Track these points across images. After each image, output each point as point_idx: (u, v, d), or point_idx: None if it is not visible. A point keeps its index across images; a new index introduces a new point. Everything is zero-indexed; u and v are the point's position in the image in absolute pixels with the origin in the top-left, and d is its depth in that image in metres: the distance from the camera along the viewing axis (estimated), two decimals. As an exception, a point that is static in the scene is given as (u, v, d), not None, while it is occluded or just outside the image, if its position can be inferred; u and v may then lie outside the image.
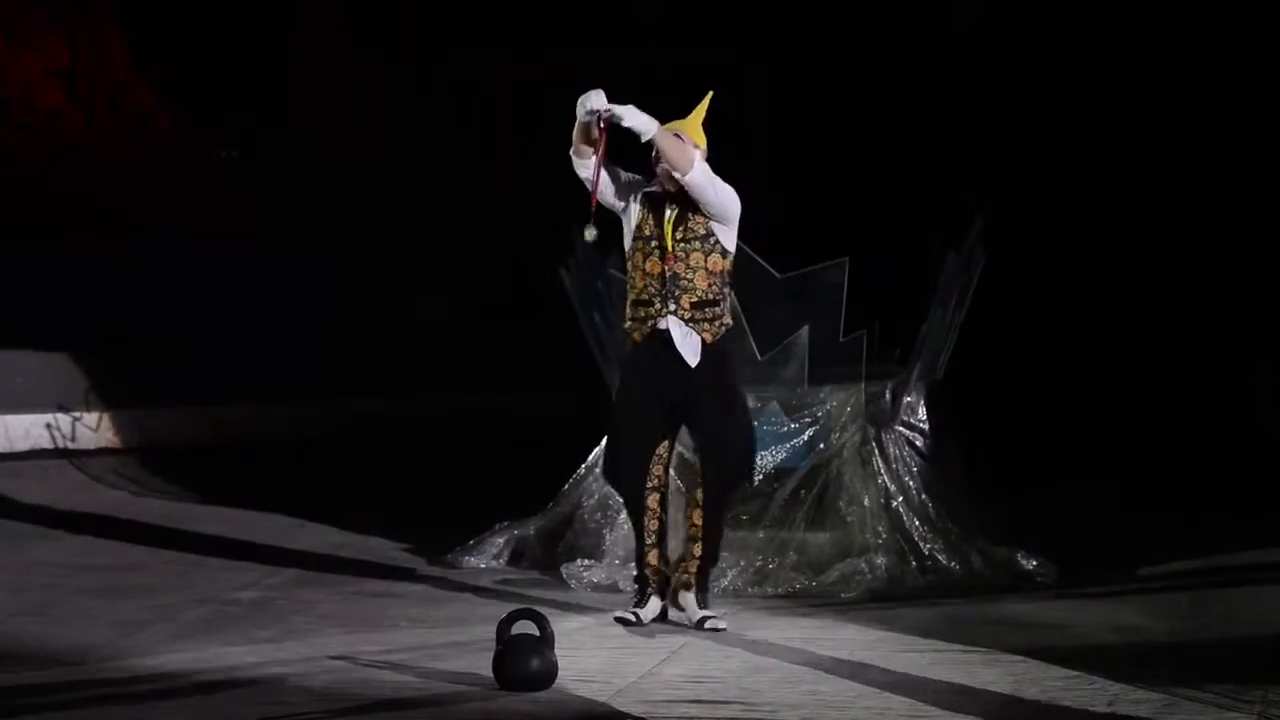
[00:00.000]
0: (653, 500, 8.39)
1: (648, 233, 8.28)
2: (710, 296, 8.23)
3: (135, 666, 7.62)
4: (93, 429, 14.61)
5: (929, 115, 15.12)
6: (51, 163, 16.83)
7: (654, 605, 8.43)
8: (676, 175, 8.15)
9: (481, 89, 17.44)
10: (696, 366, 8.22)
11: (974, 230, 9.86)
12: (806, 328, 9.48)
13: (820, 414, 9.58)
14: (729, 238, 8.28)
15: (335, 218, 16.67)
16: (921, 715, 6.93)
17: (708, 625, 8.29)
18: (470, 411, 15.13)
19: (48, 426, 14.51)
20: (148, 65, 17.31)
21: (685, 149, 8.16)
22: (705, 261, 8.22)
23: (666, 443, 8.43)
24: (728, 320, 8.33)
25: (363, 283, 16.03)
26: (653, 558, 8.42)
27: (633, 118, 8.15)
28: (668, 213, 8.23)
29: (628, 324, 8.38)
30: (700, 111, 8.35)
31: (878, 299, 9.68)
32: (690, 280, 8.20)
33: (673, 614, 8.50)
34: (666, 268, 8.18)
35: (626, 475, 8.39)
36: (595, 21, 16.57)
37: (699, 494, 8.43)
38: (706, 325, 8.23)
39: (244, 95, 17.00)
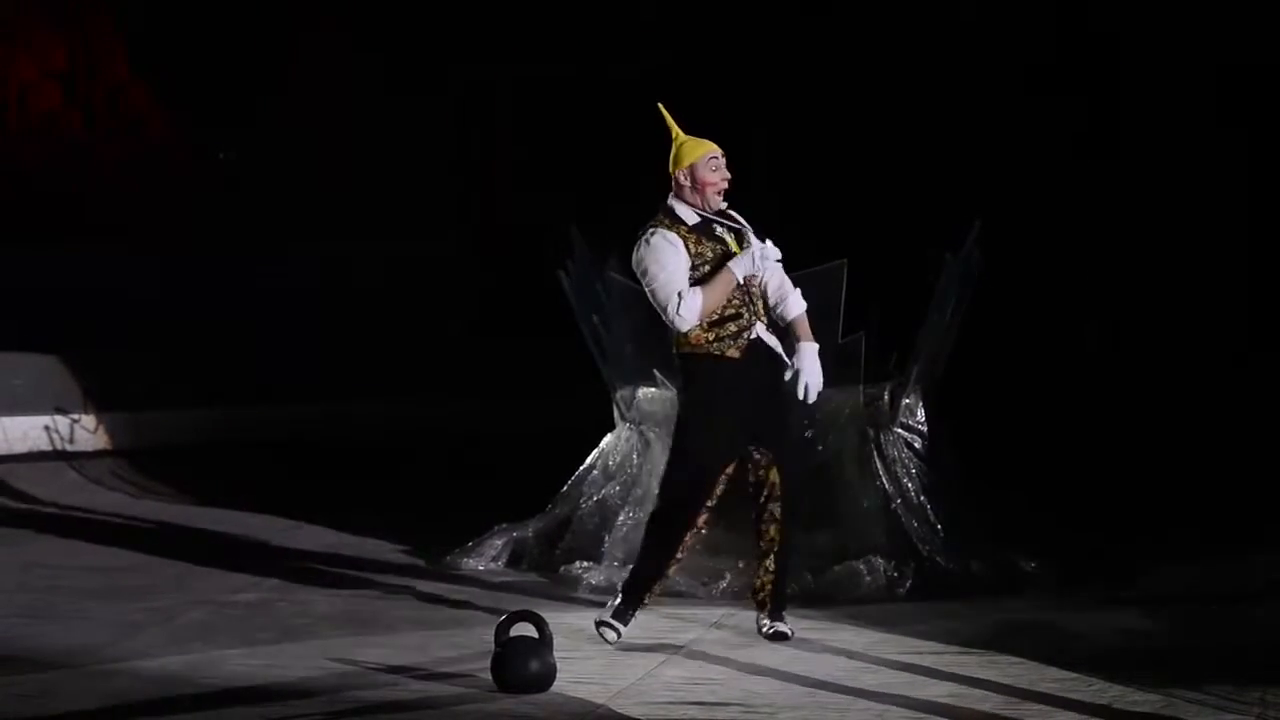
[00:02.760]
0: (703, 518, 8.18)
1: (710, 255, 8.05)
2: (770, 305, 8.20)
3: (134, 669, 7.61)
4: (90, 431, 14.62)
5: (928, 117, 15.13)
6: (49, 164, 16.83)
7: (635, 621, 8.20)
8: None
9: (482, 93, 17.44)
10: (779, 370, 8.11)
11: (972, 233, 9.85)
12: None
13: (819, 415, 9.56)
14: None
15: (335, 220, 16.69)
16: (920, 717, 6.92)
17: (774, 633, 8.16)
18: (469, 413, 15.14)
19: (46, 428, 14.53)
20: (146, 67, 17.31)
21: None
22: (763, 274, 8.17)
23: (735, 462, 8.21)
24: None
25: (361, 285, 16.04)
26: (672, 570, 8.28)
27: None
28: (729, 232, 8.11)
29: (717, 343, 8.05)
30: (671, 124, 8.17)
31: (876, 300, 9.68)
32: (762, 292, 8.13)
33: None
34: (749, 280, 8.06)
35: (696, 490, 8.09)
36: (595, 26, 16.57)
37: (773, 509, 8.19)
38: (774, 332, 8.18)
39: (242, 97, 17.00)
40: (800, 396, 8.04)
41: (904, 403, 9.77)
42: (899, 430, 9.74)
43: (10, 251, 15.35)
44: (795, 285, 8.30)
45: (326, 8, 17.82)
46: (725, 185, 8.13)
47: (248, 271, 15.83)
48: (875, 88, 15.29)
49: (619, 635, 8.12)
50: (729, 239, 8.11)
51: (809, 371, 8.04)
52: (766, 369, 8.11)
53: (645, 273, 8.05)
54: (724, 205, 8.18)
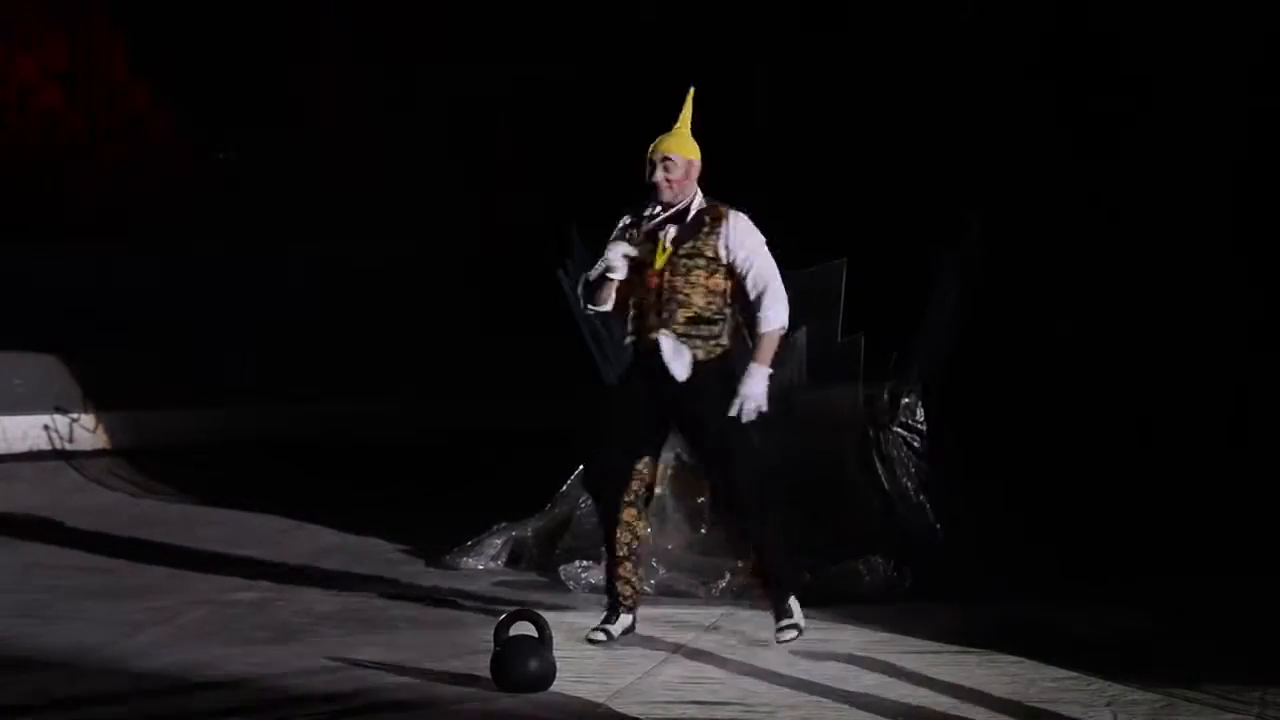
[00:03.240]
0: (629, 514, 8.19)
1: (644, 249, 8.12)
2: (708, 315, 8.04)
3: (134, 668, 7.61)
4: (90, 430, 14.61)
5: (929, 116, 15.11)
6: (50, 164, 16.83)
7: (624, 620, 8.23)
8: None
9: (482, 93, 17.43)
10: (687, 382, 8.01)
11: (972, 233, 9.86)
12: (805, 328, 9.48)
13: (818, 414, 9.57)
14: None
15: (335, 220, 16.68)
16: (919, 716, 6.92)
17: (779, 637, 8.07)
18: (469, 413, 15.13)
19: (45, 428, 14.51)
20: (146, 67, 17.31)
21: None
22: (706, 280, 8.03)
23: (649, 459, 8.23)
24: (725, 343, 8.10)
25: (361, 285, 16.02)
26: (625, 571, 8.23)
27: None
28: (670, 231, 8.07)
29: (628, 338, 8.24)
30: (687, 117, 8.16)
31: (876, 300, 9.68)
32: (687, 296, 8.03)
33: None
34: (663, 281, 8.05)
35: (606, 487, 8.20)
36: (595, 26, 16.56)
37: (737, 516, 8.30)
38: (700, 342, 8.04)
39: (243, 97, 16.99)
40: (732, 412, 7.96)
41: (904, 402, 9.78)
42: (899, 430, 9.74)
43: (10, 251, 15.35)
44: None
45: (326, 7, 17.80)
46: (660, 185, 8.06)
47: (247, 271, 15.82)
48: (874, 86, 15.28)
49: (609, 636, 8.16)
50: (663, 242, 8.05)
51: (745, 394, 7.95)
52: (652, 378, 8.07)
53: None
54: (663, 205, 8.07)
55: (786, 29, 15.83)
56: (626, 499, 8.17)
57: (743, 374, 8.00)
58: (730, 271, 8.07)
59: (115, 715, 6.99)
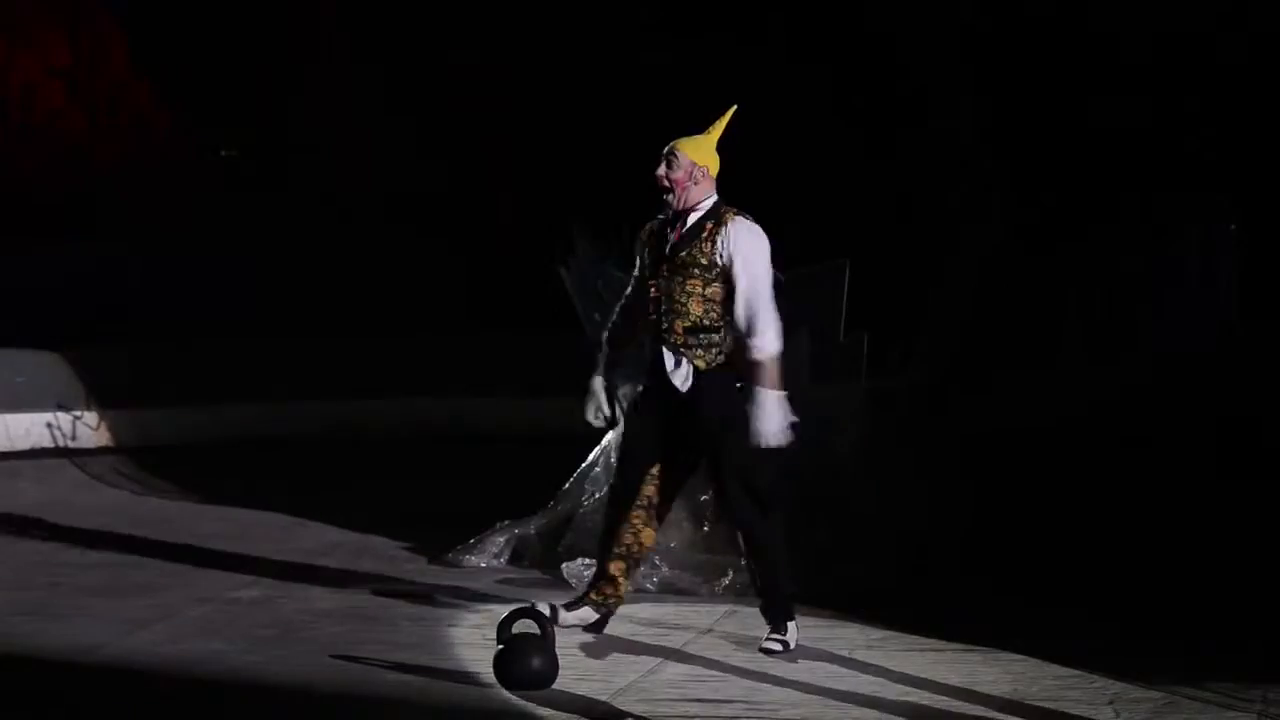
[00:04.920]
0: (636, 516, 8.12)
1: (649, 258, 8.08)
2: (706, 323, 7.90)
3: (136, 665, 7.62)
4: (93, 428, 14.64)
5: (930, 115, 15.13)
6: (52, 162, 16.85)
7: (582, 614, 8.12)
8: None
9: (481, 91, 17.44)
10: (689, 393, 7.94)
11: (975, 239, 9.87)
12: (806, 327, 9.48)
13: (820, 414, 9.57)
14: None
15: (335, 218, 16.68)
16: (922, 715, 6.93)
17: (764, 644, 7.93)
18: (471, 412, 15.14)
19: (48, 425, 14.54)
20: (147, 65, 17.33)
21: None
22: (704, 289, 7.90)
23: (660, 466, 8.12)
24: (731, 349, 7.92)
25: (363, 283, 16.04)
26: (615, 569, 8.15)
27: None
28: (670, 236, 7.99)
29: (644, 346, 8.19)
30: (718, 129, 8.05)
31: (878, 300, 9.69)
32: (684, 305, 7.92)
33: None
34: (660, 290, 7.98)
35: (616, 481, 8.24)
36: (594, 24, 16.57)
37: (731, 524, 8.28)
38: (701, 352, 7.91)
39: (244, 95, 17.01)
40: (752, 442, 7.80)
41: (904, 402, 9.79)
42: (899, 429, 9.75)
43: (13, 249, 15.37)
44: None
45: (327, 4, 17.82)
46: (659, 179, 7.98)
47: (248, 269, 15.84)
48: (876, 86, 15.30)
49: (553, 612, 8.01)
50: (666, 246, 7.97)
51: (762, 430, 7.75)
52: (659, 387, 8.02)
53: None
54: (672, 206, 7.97)
55: (783, 27, 15.84)
56: (638, 502, 8.11)
57: (748, 400, 7.81)
58: (727, 277, 7.88)
59: (116, 713, 7.00)
